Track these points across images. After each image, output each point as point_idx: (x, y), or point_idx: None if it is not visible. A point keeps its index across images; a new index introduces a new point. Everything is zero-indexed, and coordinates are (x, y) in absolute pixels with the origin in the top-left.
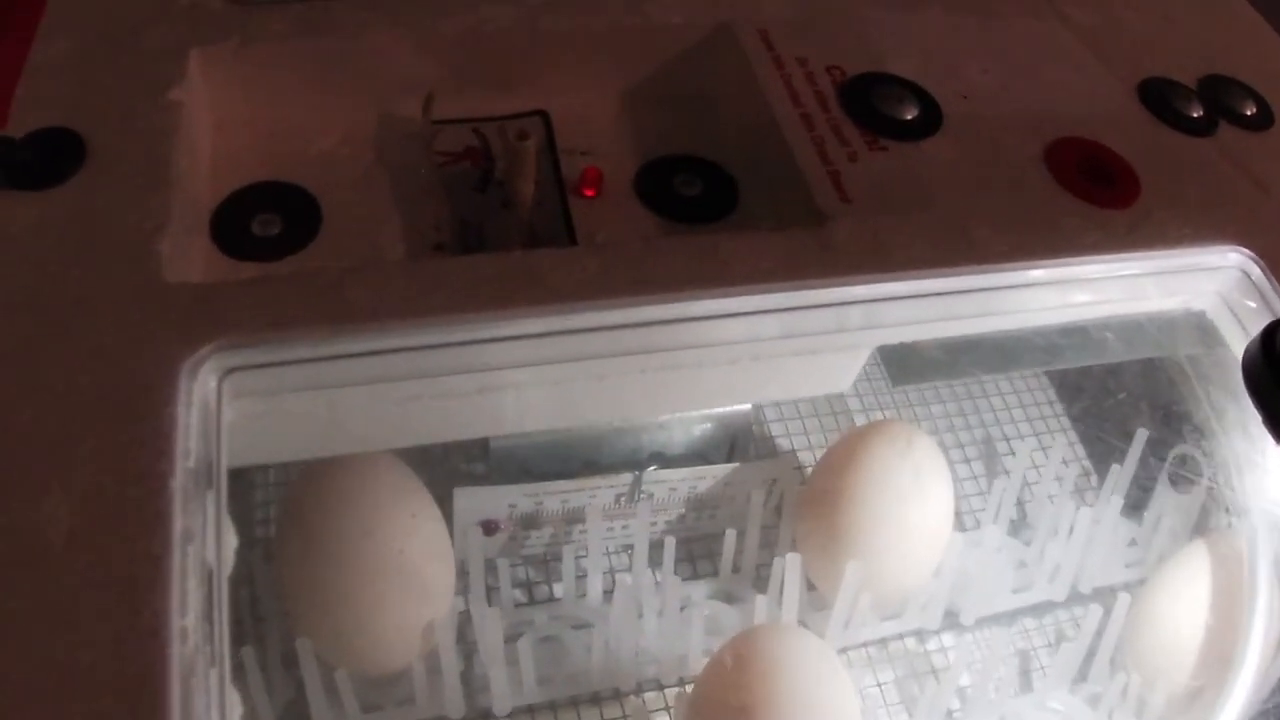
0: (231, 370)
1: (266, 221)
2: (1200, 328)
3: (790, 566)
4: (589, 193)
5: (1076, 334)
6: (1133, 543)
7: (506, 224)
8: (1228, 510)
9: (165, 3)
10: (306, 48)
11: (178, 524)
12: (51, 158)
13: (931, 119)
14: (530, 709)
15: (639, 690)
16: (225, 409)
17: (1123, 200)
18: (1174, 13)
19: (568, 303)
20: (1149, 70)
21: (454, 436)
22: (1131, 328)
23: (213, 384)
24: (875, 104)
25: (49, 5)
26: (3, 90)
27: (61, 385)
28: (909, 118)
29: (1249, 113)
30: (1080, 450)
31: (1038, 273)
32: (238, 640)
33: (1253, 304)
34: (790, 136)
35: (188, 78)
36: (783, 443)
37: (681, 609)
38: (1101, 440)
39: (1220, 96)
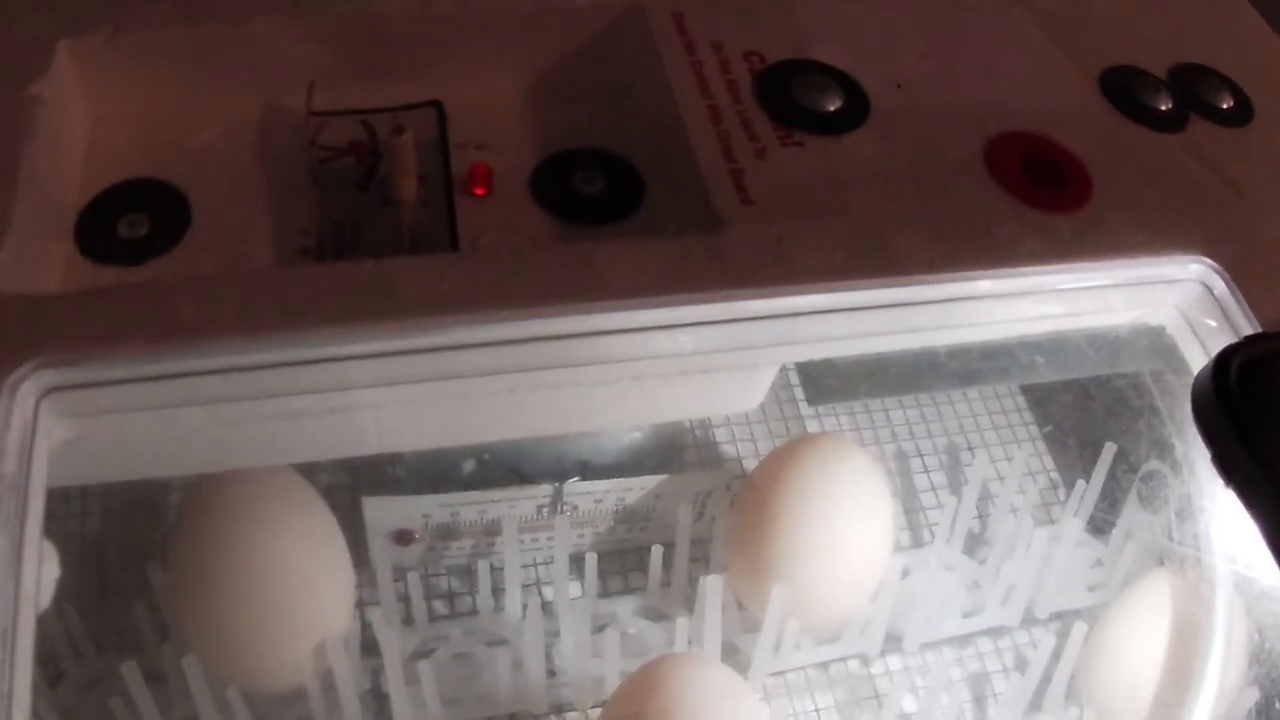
0: (52, 389)
1: (134, 222)
2: (1158, 346)
3: (710, 590)
4: (479, 191)
5: (1002, 355)
6: (1098, 564)
7: (386, 225)
8: (1180, 544)
9: None
10: (185, 36)
11: None
12: None
13: (857, 111)
14: None
15: (556, 712)
16: (45, 430)
17: (1071, 203)
18: None
19: (420, 318)
20: (1115, 59)
21: (309, 458)
22: (1072, 346)
23: (31, 403)
24: (794, 94)
25: None
26: None
27: None
28: (831, 109)
29: (1225, 106)
30: (1048, 462)
31: (967, 285)
32: (134, 650)
33: (1213, 322)
34: (692, 131)
35: (54, 71)
36: (727, 450)
37: (603, 627)
38: (1070, 453)
39: (1193, 87)
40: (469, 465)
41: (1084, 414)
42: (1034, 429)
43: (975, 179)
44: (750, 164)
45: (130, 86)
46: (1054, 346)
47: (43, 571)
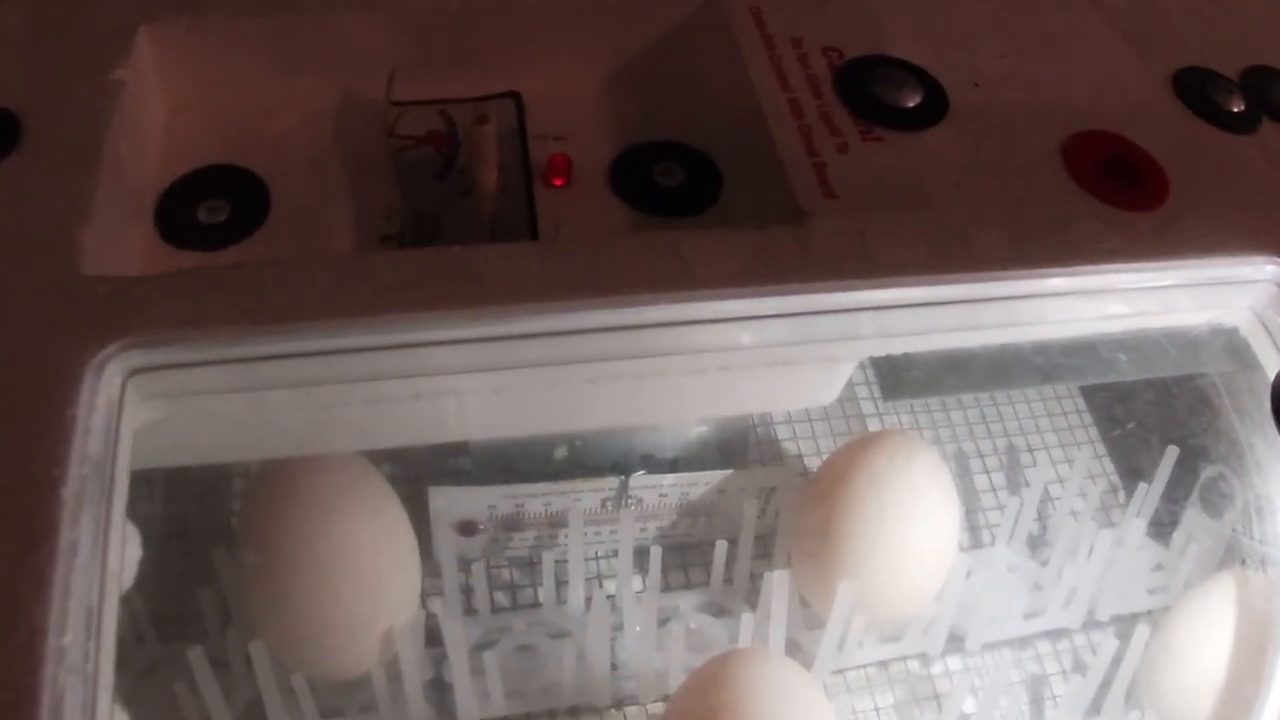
0: (138, 370)
1: (213, 208)
2: (1231, 346)
3: (777, 585)
4: (558, 182)
5: (1086, 351)
6: (1158, 567)
7: (466, 214)
8: (1261, 543)
9: None
10: (264, 24)
11: (64, 535)
12: None
13: (936, 107)
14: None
15: (616, 706)
16: (130, 412)
17: (1148, 202)
18: None
19: (506, 305)
20: (1187, 60)
21: (390, 444)
22: (1150, 345)
23: (117, 384)
24: (874, 90)
25: None
26: None
27: None
28: (910, 105)
29: None
30: (1108, 465)
31: (1047, 282)
32: (198, 635)
33: None
34: (774, 125)
35: (135, 56)
36: (788, 446)
37: (666, 622)
38: (1131, 456)
39: (1265, 90)
40: (553, 453)
41: (1149, 415)
42: (1094, 430)
43: (1054, 177)
44: (832, 158)
45: (209, 73)
46: (1130, 345)
47: (126, 552)
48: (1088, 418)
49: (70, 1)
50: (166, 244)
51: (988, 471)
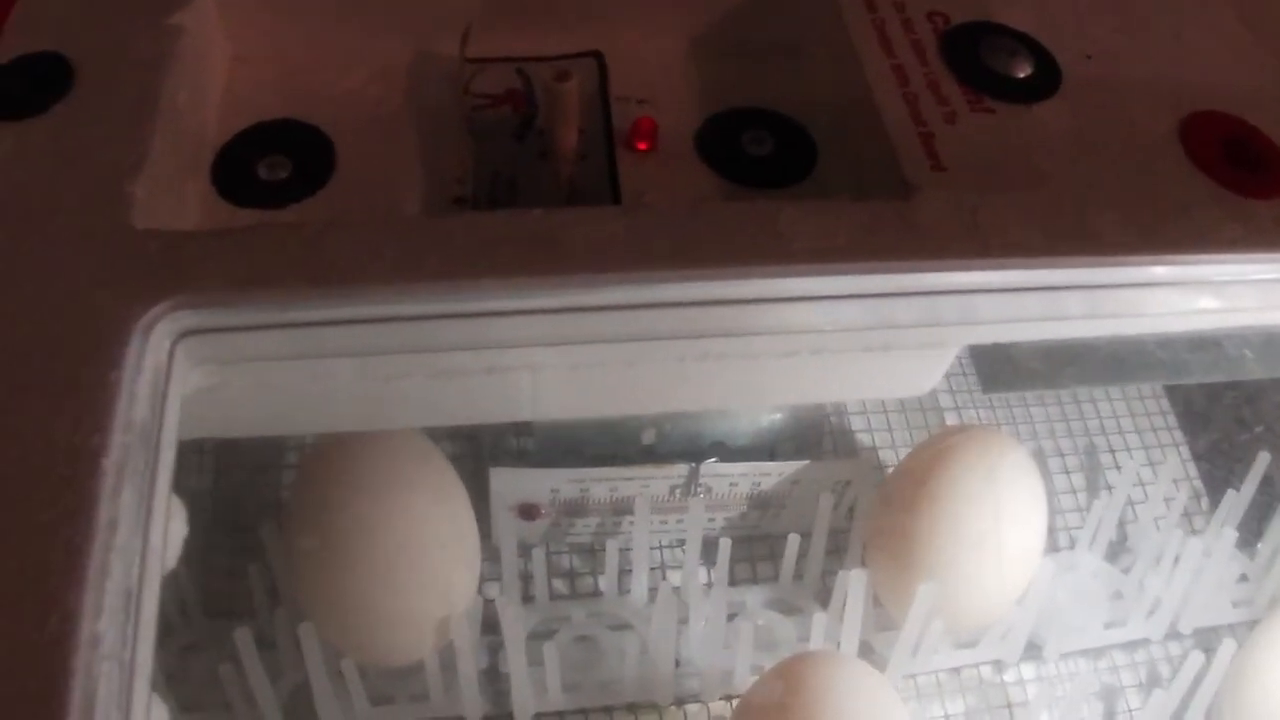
0: (189, 332)
1: (274, 164)
2: None
3: (854, 584)
4: (642, 146)
5: (1209, 347)
6: (1243, 578)
7: (544, 177)
8: None
9: None
10: None
11: (104, 510)
12: (36, 84)
13: (1048, 79)
14: (560, 716)
15: (680, 704)
16: (179, 377)
17: (1270, 190)
18: None
19: (589, 274)
20: None
21: (456, 421)
22: (1266, 341)
23: (166, 346)
24: (982, 58)
25: None
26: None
27: None
28: (1021, 76)
29: None
30: (1192, 469)
31: (1165, 270)
32: (245, 613)
33: None
34: (878, 91)
35: (196, 1)
36: (863, 439)
37: (733, 617)
38: (1218, 460)
39: None
40: (620, 437)
41: (1237, 417)
42: (1178, 434)
43: (1173, 158)
44: (940, 129)
45: (275, 22)
46: (1255, 342)
47: (170, 529)
48: (1171, 419)
49: None
50: (224, 200)
51: (1067, 472)
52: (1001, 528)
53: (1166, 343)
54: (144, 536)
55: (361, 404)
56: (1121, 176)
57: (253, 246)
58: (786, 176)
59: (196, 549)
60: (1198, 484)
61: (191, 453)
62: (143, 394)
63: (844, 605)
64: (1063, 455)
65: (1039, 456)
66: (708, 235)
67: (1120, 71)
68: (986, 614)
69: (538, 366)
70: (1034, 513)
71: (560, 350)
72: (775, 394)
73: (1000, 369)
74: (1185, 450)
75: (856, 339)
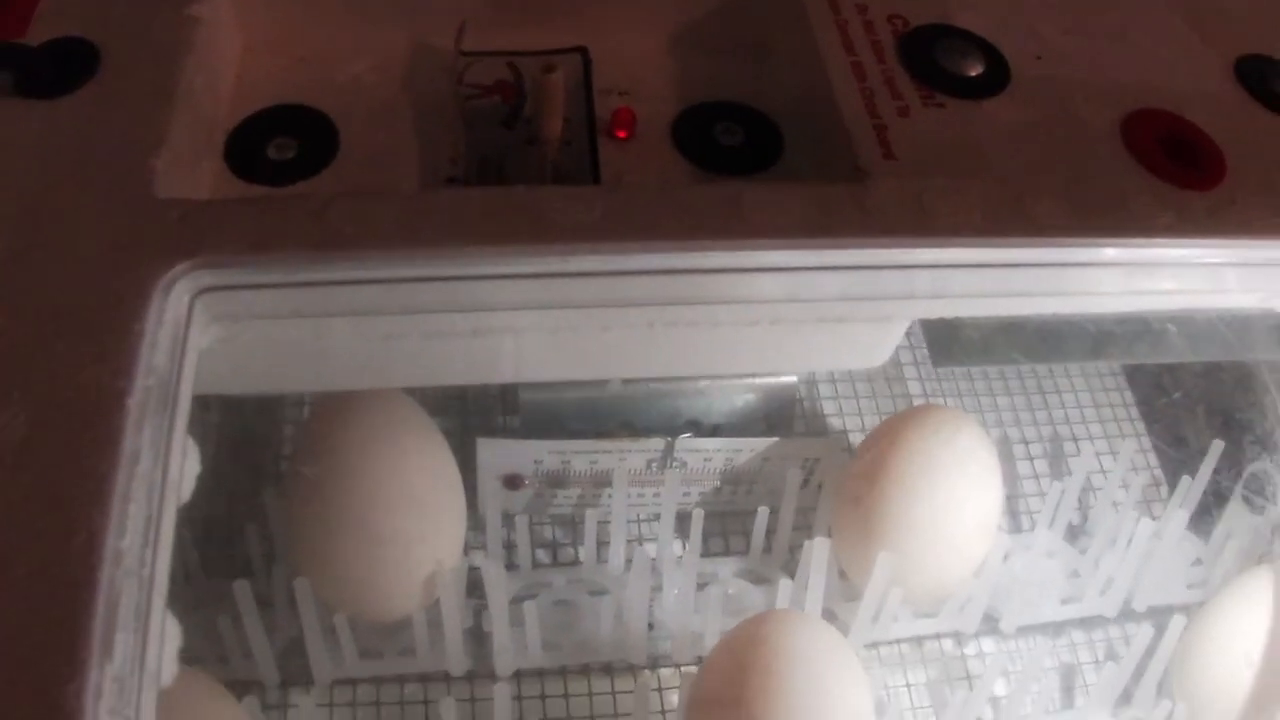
0: (205, 290)
1: (282, 145)
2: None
3: (817, 552)
4: (621, 134)
5: (1136, 325)
6: (1198, 562)
7: (530, 162)
8: None
9: None
10: None
11: (128, 443)
12: (65, 67)
13: (998, 78)
14: (540, 673)
15: (653, 666)
16: (196, 329)
17: (1205, 182)
18: None
19: (569, 243)
20: (1250, 47)
21: (445, 381)
22: (1200, 324)
23: (185, 302)
24: (936, 57)
25: None
26: None
27: (35, 295)
28: (972, 74)
29: None
30: (1153, 459)
31: (1100, 252)
32: (243, 574)
33: None
34: (838, 87)
35: None
36: (834, 421)
37: (704, 586)
38: (1175, 448)
39: None
40: (601, 414)
41: (1195, 407)
42: (1140, 424)
43: (1112, 152)
44: (893, 121)
45: (283, 16)
46: (1182, 322)
47: (185, 466)
48: (1134, 411)
49: None
50: (236, 177)
51: (1031, 458)
52: (956, 501)
53: (1096, 322)
54: (163, 469)
55: (358, 362)
56: (1062, 167)
57: (264, 214)
58: (754, 165)
59: (201, 512)
60: (1158, 472)
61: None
62: (163, 343)
63: (808, 573)
64: (1027, 442)
65: (1005, 443)
66: (676, 212)
67: (1067, 71)
68: (944, 585)
69: (520, 330)
70: (988, 487)
71: (540, 314)
72: (738, 362)
73: (949, 344)
74: (1146, 440)
75: (811, 310)
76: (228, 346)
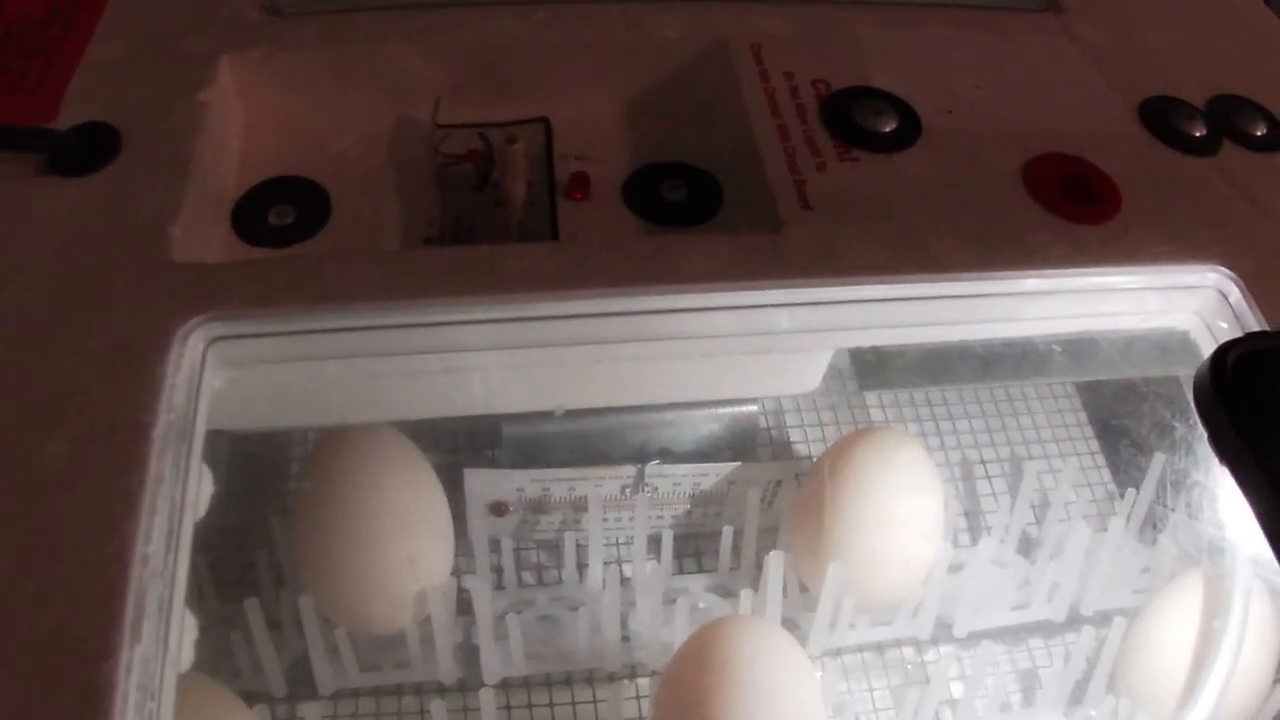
0: (217, 339)
1: (282, 212)
2: (1184, 349)
3: (773, 564)
4: (578, 195)
5: (1036, 351)
6: (1147, 569)
7: (497, 222)
8: (1223, 541)
9: (207, 12)
10: (329, 55)
11: (152, 467)
12: (91, 148)
13: (910, 132)
14: (526, 683)
15: (632, 675)
16: (209, 372)
17: (1100, 216)
18: (1195, 32)
19: (523, 292)
20: (1156, 89)
21: (423, 414)
22: (1106, 348)
23: (199, 349)
24: (854, 116)
25: (106, 11)
26: (58, 86)
27: (73, 345)
28: (886, 130)
29: (1259, 133)
30: (1106, 475)
31: (996, 284)
32: (255, 594)
33: (1225, 325)
34: (763, 147)
35: (218, 81)
36: (800, 448)
37: (675, 600)
38: (1131, 466)
39: (1229, 116)
40: (578, 446)
41: (1140, 425)
42: (1094, 443)
43: (1013, 194)
44: (811, 175)
45: (281, 96)
46: (1088, 347)
47: (201, 488)
48: (1089, 430)
49: (162, 33)
50: (241, 241)
51: (989, 477)
52: (898, 512)
53: (999, 347)
54: (182, 489)
55: (349, 399)
56: (965, 210)
57: (266, 274)
58: (696, 218)
59: (213, 538)
60: (1111, 487)
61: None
62: (181, 385)
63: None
64: (985, 462)
65: (965, 465)
66: (616, 262)
67: (976, 123)
68: (894, 592)
69: (485, 368)
70: (929, 499)
71: (503, 354)
72: (680, 391)
73: (875, 370)
74: (1100, 458)
75: (739, 344)
76: (238, 387)
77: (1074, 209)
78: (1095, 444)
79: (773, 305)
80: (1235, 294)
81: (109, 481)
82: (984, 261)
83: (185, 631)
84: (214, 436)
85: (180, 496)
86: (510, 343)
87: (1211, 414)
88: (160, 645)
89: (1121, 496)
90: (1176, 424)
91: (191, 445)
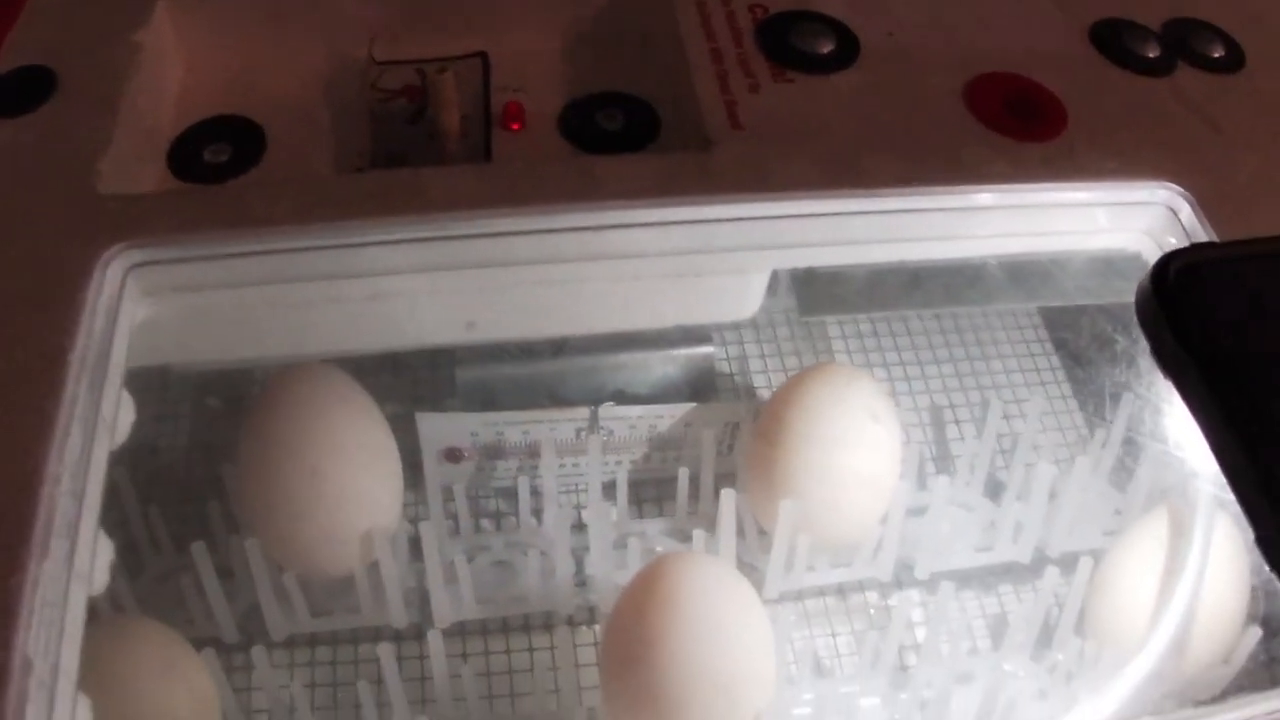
0: (137, 265)
1: (217, 150)
2: (1136, 270)
3: (725, 502)
4: (514, 126)
5: (979, 272)
6: (1117, 513)
7: (431, 155)
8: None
9: None
10: None
11: (69, 390)
12: (27, 90)
13: (848, 54)
14: (483, 627)
15: (590, 621)
16: (129, 299)
17: (1043, 134)
18: None
19: (444, 211)
20: (1108, 12)
21: (359, 346)
22: (1052, 267)
23: (119, 276)
24: (791, 39)
25: None
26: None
27: None
28: (824, 52)
29: (1215, 55)
30: (1079, 419)
31: (929, 199)
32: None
33: (1174, 242)
34: (695, 70)
35: (153, 23)
36: (764, 394)
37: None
38: (1095, 399)
39: (1185, 38)
40: (532, 391)
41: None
42: (1066, 386)
43: (952, 113)
44: (744, 97)
45: (218, 37)
46: (1040, 269)
47: (120, 415)
48: (1061, 374)
49: None
50: (175, 179)
51: (958, 421)
52: (850, 449)
53: (950, 269)
54: (97, 413)
55: (276, 333)
56: (901, 128)
57: (186, 202)
58: (632, 146)
59: (169, 491)
60: (1084, 432)
61: (165, 417)
62: (102, 310)
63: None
64: (953, 406)
65: (934, 411)
66: (538, 182)
67: (917, 43)
68: (851, 532)
69: (412, 293)
70: (883, 435)
71: (426, 276)
72: (610, 316)
73: (813, 295)
74: (1072, 402)
75: (669, 265)
76: (168, 317)
77: (1016, 126)
78: (1067, 388)
79: (701, 221)
80: (1186, 211)
81: (25, 402)
82: (918, 176)
83: (99, 553)
84: (178, 382)
85: (95, 419)
86: (435, 264)
87: (1154, 325)
88: (67, 564)
89: (1092, 436)
90: (1141, 356)
91: (108, 371)
